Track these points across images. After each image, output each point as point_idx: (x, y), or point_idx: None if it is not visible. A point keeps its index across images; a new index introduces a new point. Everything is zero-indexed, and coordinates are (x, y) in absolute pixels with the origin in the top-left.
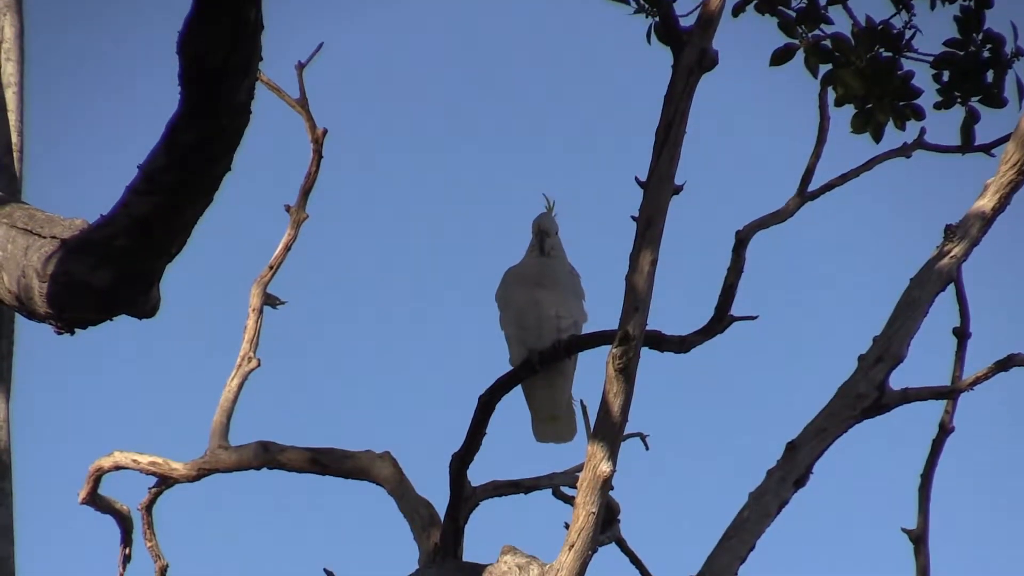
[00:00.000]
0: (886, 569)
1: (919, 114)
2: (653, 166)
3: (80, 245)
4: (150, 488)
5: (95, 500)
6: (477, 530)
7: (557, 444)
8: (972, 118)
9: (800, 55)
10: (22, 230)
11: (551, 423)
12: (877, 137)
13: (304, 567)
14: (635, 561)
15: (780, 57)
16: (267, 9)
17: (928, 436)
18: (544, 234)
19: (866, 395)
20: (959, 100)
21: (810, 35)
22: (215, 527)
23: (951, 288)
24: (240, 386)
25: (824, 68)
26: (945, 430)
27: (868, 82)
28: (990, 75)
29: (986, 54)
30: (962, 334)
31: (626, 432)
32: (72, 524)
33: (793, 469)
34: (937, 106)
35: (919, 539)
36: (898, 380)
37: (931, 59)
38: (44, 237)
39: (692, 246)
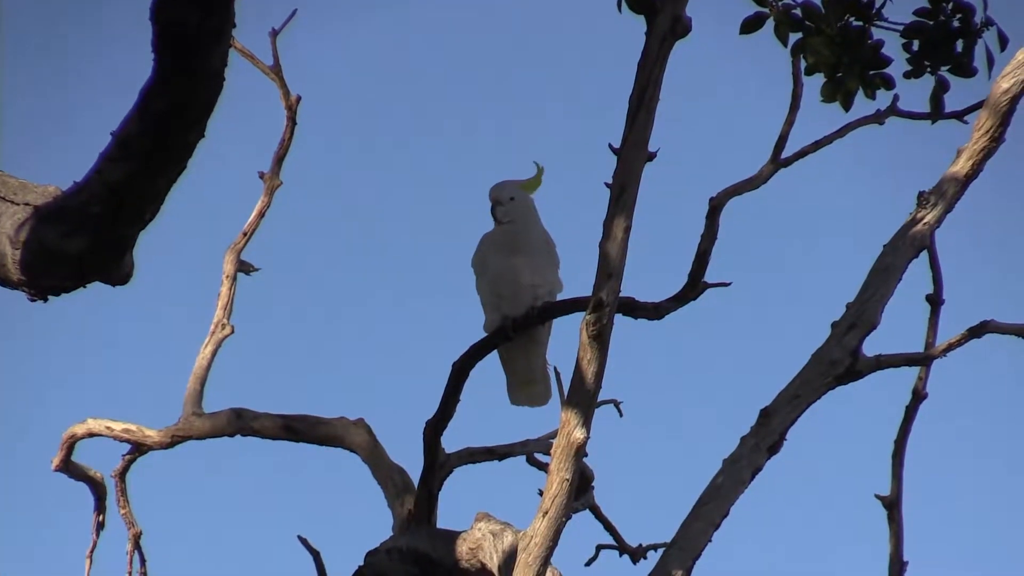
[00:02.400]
0: (859, 535)
1: (889, 83)
2: (626, 133)
3: (53, 212)
4: (124, 455)
5: (69, 467)
6: (451, 497)
7: (531, 408)
8: (942, 87)
9: (770, 23)
10: None
11: (526, 387)
12: (847, 106)
13: (278, 534)
14: (609, 528)
15: (750, 25)
16: None
17: (901, 403)
18: (495, 203)
19: (839, 362)
20: (929, 69)
21: (780, 3)
22: (189, 494)
23: (924, 255)
24: (214, 353)
25: (795, 37)
26: (918, 396)
27: (838, 51)
28: (960, 45)
29: (956, 24)
30: (935, 301)
31: (600, 399)
32: (45, 491)
33: (767, 436)
34: (907, 75)
35: (892, 505)
36: (871, 347)
37: (901, 28)
38: (17, 204)
39: (666, 213)
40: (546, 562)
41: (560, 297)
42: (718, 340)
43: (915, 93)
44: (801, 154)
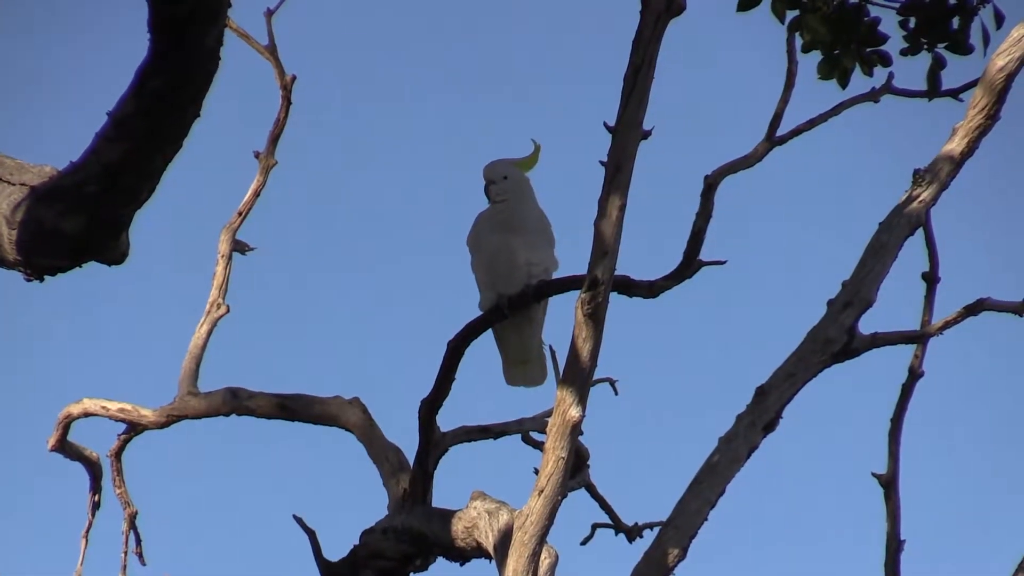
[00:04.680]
0: (856, 513)
1: (886, 60)
2: (621, 112)
3: (50, 192)
4: (119, 435)
5: (64, 447)
6: (446, 476)
7: (527, 388)
8: (938, 65)
9: (767, 1)
10: None
11: (521, 367)
12: (844, 83)
13: (273, 513)
14: (605, 506)
15: (747, 3)
16: None
17: (898, 381)
18: (489, 182)
19: (835, 340)
20: (925, 47)
21: None
22: (184, 474)
23: (920, 233)
24: (209, 332)
25: (791, 14)
26: (915, 375)
27: (835, 28)
28: (956, 22)
29: (952, 1)
30: (931, 278)
31: (595, 377)
32: (41, 471)
33: (763, 414)
34: (903, 52)
35: (889, 483)
36: (867, 325)
37: (897, 6)
38: (13, 184)
39: (661, 191)
40: (542, 540)
41: (555, 276)
42: (713, 318)
43: (911, 71)
44: (796, 132)
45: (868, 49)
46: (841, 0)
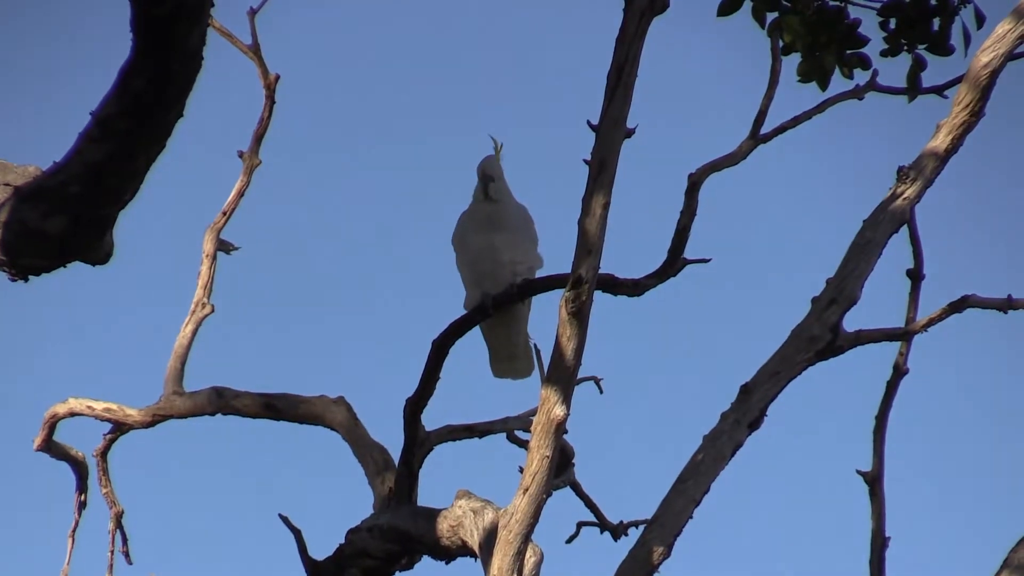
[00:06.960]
0: (841, 511)
1: (865, 63)
2: (605, 109)
3: (33, 192)
4: (105, 434)
5: (50, 447)
6: (431, 474)
7: (512, 384)
8: (919, 65)
9: (748, 3)
10: None
11: (508, 362)
12: (823, 85)
13: (258, 513)
14: (590, 505)
15: (728, 6)
16: None
17: (882, 378)
18: (488, 179)
19: (820, 337)
20: (906, 48)
21: None
22: (170, 473)
23: (905, 230)
24: (194, 332)
25: (772, 16)
26: (899, 372)
27: (814, 30)
28: (936, 23)
29: (933, 2)
30: (916, 275)
31: (580, 376)
32: (27, 471)
33: (747, 412)
34: (884, 53)
35: (874, 481)
36: (852, 322)
37: (878, 7)
38: None
39: (645, 189)
40: (527, 539)
41: (540, 274)
42: (698, 316)
43: (895, 69)
44: (780, 130)
45: (848, 51)
46: (821, 2)
